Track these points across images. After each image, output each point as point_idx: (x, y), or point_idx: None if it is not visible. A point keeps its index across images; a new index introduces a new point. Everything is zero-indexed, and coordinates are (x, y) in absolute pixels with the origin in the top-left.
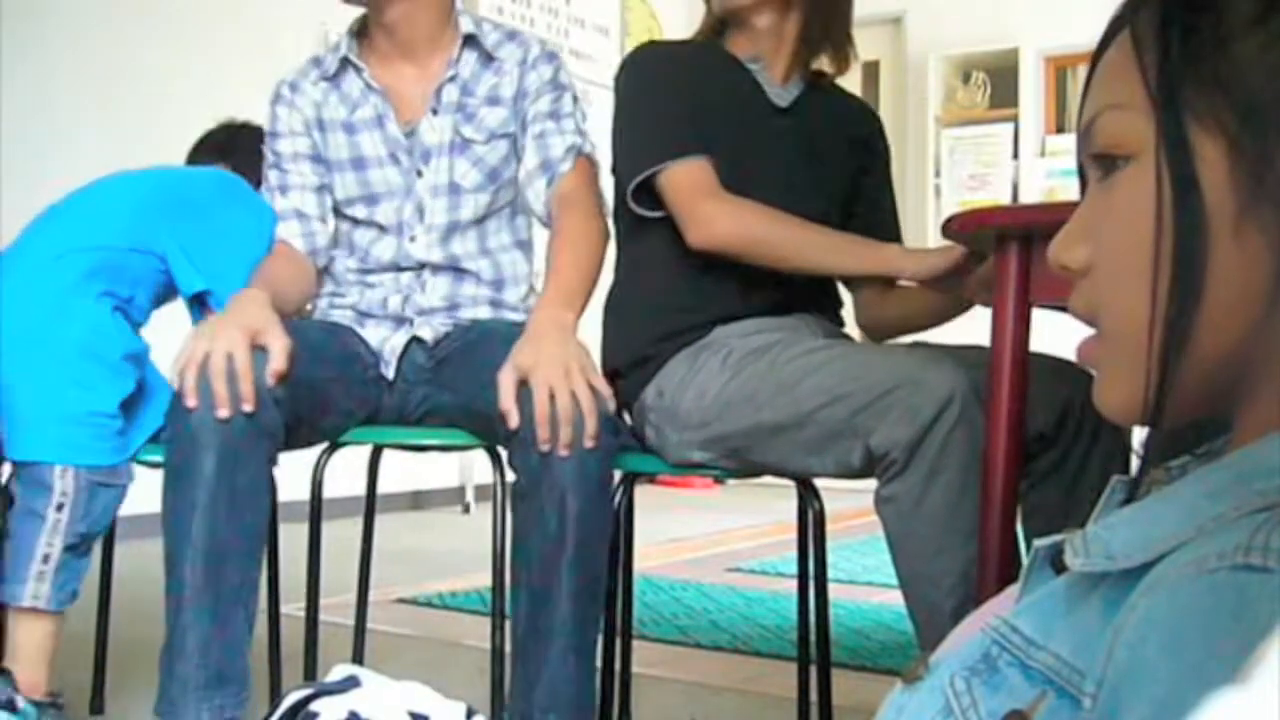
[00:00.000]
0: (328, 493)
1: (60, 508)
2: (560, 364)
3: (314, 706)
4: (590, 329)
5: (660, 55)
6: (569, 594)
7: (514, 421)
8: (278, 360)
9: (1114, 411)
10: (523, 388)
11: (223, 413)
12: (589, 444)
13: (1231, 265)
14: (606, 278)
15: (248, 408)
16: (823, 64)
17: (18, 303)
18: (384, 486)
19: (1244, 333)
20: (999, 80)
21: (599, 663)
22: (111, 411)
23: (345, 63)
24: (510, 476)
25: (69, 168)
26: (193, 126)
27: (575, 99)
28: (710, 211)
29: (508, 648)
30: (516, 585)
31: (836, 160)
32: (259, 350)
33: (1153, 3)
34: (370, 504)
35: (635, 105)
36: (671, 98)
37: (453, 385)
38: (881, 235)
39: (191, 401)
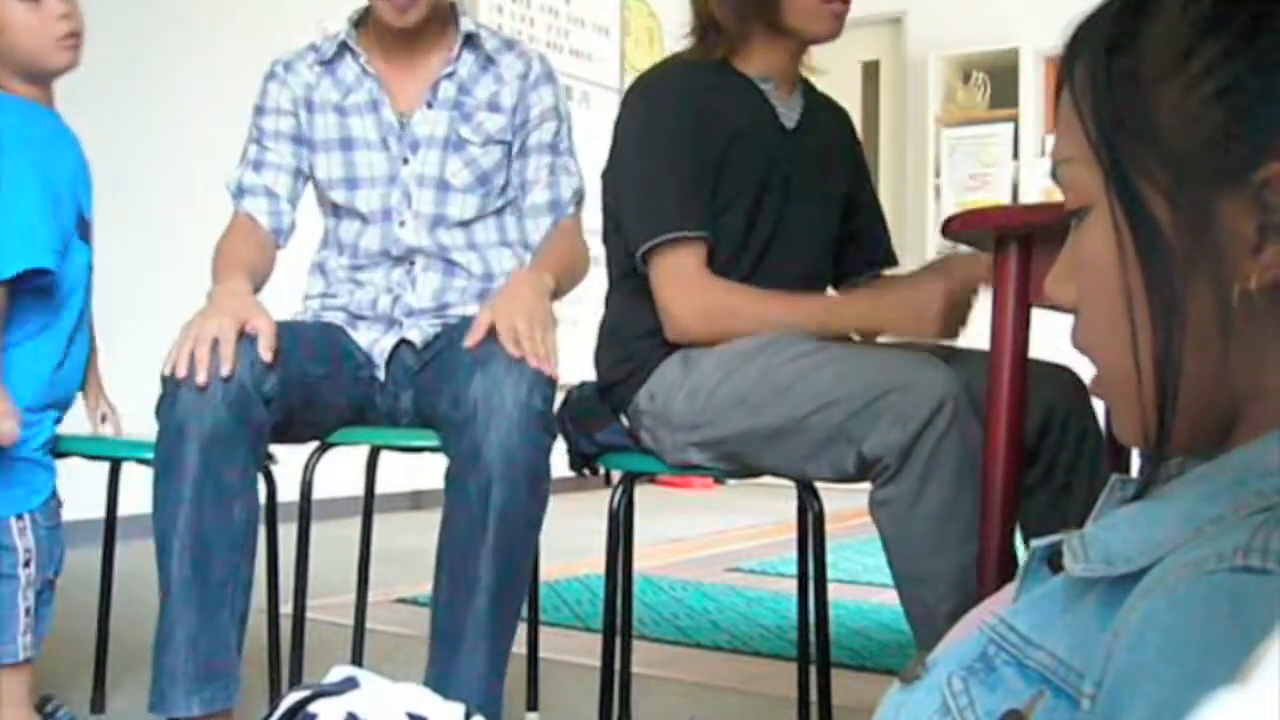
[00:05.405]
0: (328, 493)
1: (28, 564)
2: (527, 316)
3: (312, 708)
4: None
5: (677, 85)
6: (486, 587)
7: (476, 338)
8: (269, 338)
9: (1128, 442)
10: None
11: (201, 377)
12: (533, 363)
13: (1194, 296)
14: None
15: (225, 370)
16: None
17: None
18: (383, 486)
19: (1217, 364)
20: (999, 80)
21: (607, 663)
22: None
23: (343, 47)
24: None
25: None
26: (193, 124)
27: (570, 126)
28: (679, 312)
29: None
30: (439, 570)
31: (839, 176)
32: (248, 338)
33: (1084, 56)
34: (369, 504)
35: (650, 153)
36: (690, 144)
37: (431, 388)
38: (881, 245)
39: (198, 375)
